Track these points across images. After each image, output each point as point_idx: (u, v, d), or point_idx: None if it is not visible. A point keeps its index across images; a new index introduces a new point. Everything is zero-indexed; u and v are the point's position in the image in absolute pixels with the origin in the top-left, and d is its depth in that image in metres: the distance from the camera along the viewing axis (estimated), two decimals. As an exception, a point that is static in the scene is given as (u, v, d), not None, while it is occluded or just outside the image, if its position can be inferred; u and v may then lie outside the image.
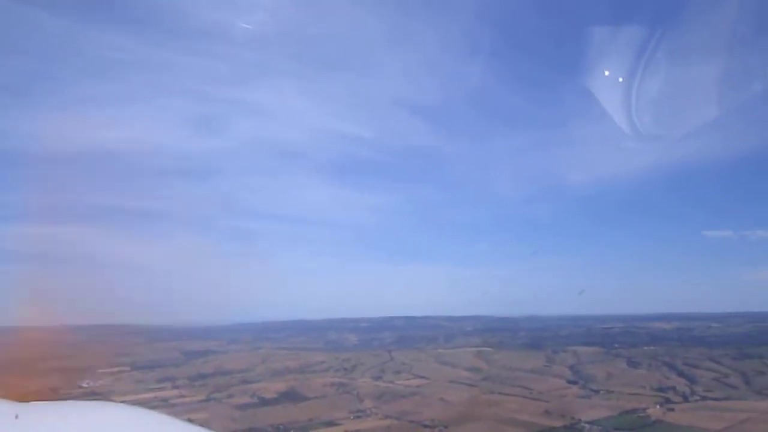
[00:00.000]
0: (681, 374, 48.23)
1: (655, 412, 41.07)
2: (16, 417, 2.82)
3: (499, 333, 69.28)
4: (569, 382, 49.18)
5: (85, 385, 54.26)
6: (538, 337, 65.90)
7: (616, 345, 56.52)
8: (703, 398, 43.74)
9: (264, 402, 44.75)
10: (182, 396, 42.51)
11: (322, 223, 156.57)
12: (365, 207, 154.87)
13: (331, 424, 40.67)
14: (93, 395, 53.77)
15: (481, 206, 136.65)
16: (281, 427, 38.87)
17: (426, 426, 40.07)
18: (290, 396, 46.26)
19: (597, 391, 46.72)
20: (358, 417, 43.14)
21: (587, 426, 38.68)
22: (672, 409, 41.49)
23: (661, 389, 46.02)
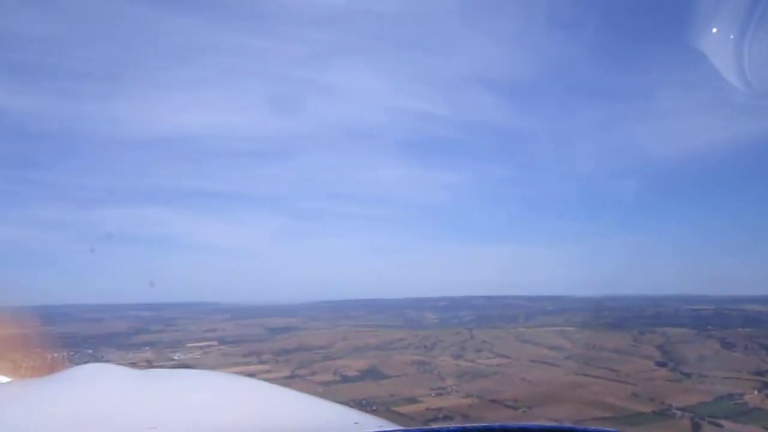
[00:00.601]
0: (781, 358, 45.61)
1: (753, 398, 38.67)
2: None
3: (581, 312, 67.45)
4: (658, 364, 47.30)
5: (176, 357, 56.81)
6: (622, 317, 63.73)
7: (708, 326, 53.88)
8: (807, 383, 41.14)
9: (346, 379, 45.43)
10: (268, 371, 43.67)
11: (397, 203, 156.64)
12: (441, 185, 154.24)
13: (412, 400, 40.85)
14: (184, 367, 56.25)
15: (559, 183, 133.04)
16: (363, 402, 39.35)
17: (508, 406, 39.54)
18: (371, 373, 46.74)
19: (688, 375, 44.63)
20: (439, 395, 43.12)
21: (678, 413, 36.84)
22: (772, 395, 39.19)
23: (759, 373, 43.46)
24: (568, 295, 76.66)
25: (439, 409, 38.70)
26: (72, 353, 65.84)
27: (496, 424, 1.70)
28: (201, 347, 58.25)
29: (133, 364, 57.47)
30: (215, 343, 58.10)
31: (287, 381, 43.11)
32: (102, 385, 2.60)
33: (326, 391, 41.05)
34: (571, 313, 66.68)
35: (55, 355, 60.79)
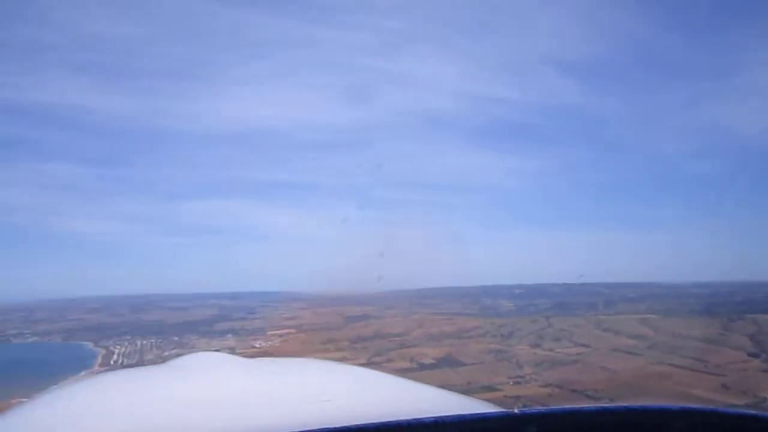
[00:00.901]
0: None
1: None
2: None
3: (665, 300, 64.98)
4: (750, 354, 44.99)
5: (257, 345, 58.55)
6: (710, 303, 60.81)
7: (806, 314, 50.84)
8: None
9: (423, 366, 45.55)
10: (345, 358, 44.29)
11: (471, 190, 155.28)
12: (515, 171, 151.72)
13: (490, 389, 40.52)
14: (264, 354, 57.91)
15: (639, 167, 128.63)
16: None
17: (589, 396, 38.53)
18: (448, 361, 46.67)
19: (784, 366, 42.37)
20: (518, 383, 42.62)
21: (774, 405, 34.95)
22: None
23: None
24: (650, 282, 74.03)
25: (518, 398, 38.16)
26: (159, 340, 69.17)
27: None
28: (280, 335, 59.79)
29: (217, 350, 59.40)
30: (294, 330, 59.40)
31: (364, 367, 43.54)
32: (215, 373, 2.61)
33: (404, 378, 41.25)
34: (653, 300, 64.36)
35: (144, 342, 63.67)
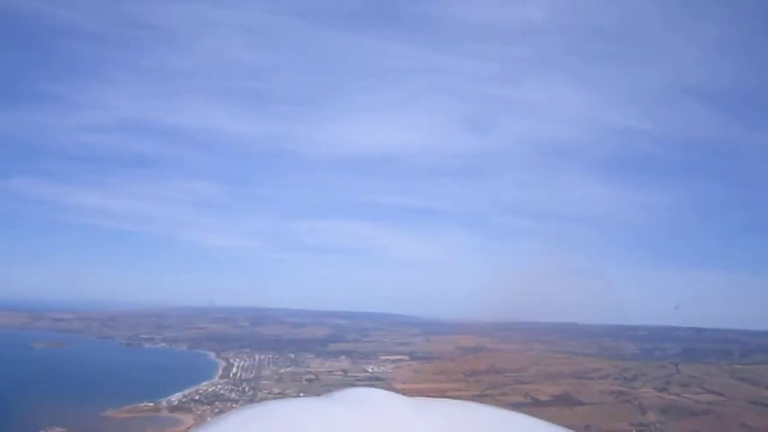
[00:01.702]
0: None
1: None
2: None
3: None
4: None
5: (369, 370, 59.01)
6: None
7: None
8: None
9: (538, 403, 43.85)
10: (458, 389, 43.51)
11: (594, 222, 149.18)
12: (642, 205, 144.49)
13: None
14: (375, 380, 58.17)
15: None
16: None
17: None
18: (565, 399, 44.68)
19: None
20: (641, 431, 40.05)
21: None
22: None
23: None
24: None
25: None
26: (276, 356, 71.37)
27: None
28: (393, 361, 59.91)
29: (330, 372, 60.05)
30: (407, 357, 59.27)
31: (476, 400, 42.56)
32: (379, 411, 2.58)
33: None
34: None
35: (262, 356, 65.67)
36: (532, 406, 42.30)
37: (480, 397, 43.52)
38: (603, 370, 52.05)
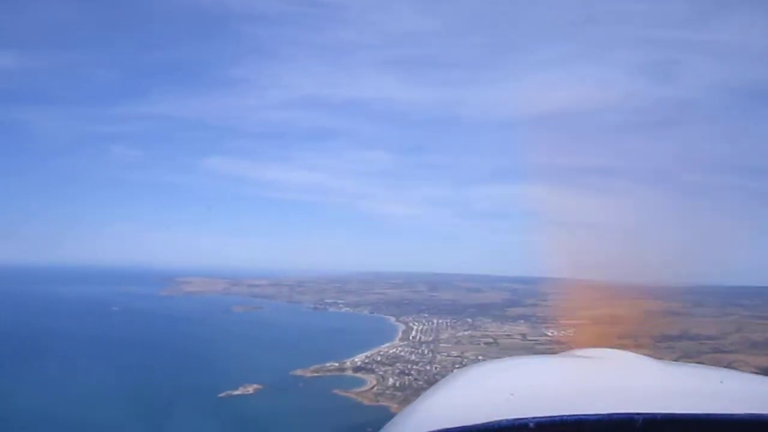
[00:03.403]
0: None
1: None
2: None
3: None
4: None
5: (549, 333, 57.25)
6: None
7: None
8: None
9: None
10: (648, 356, 40.86)
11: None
12: None
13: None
14: (556, 344, 56.23)
15: None
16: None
17: None
18: (774, 372, 40.10)
19: None
20: None
21: None
22: None
23: None
24: None
25: None
26: (454, 320, 71.82)
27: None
28: (574, 325, 57.26)
29: (509, 336, 59.28)
30: (588, 322, 56.24)
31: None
32: (631, 370, 2.28)
33: None
34: None
35: (440, 320, 66.35)
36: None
37: (672, 366, 40.27)
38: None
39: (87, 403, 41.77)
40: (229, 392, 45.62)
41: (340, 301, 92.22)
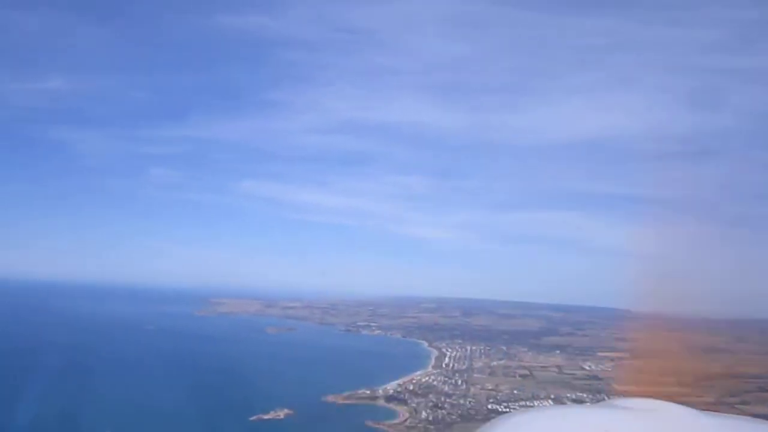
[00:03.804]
0: None
1: None
2: None
3: None
4: None
5: (586, 367, 55.91)
6: None
7: None
8: None
9: (787, 415, 38.20)
10: (688, 395, 39.49)
11: None
12: None
13: None
14: (594, 379, 54.81)
15: None
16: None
17: None
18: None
19: None
20: None
21: None
22: None
23: None
24: None
25: None
26: (488, 348, 70.62)
27: None
28: (611, 358, 55.96)
29: (544, 368, 57.81)
30: (627, 355, 54.56)
31: (712, 408, 38.08)
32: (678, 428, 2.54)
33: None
34: None
35: (473, 347, 65.16)
36: (780, 417, 36.80)
37: (715, 405, 38.70)
38: None
39: (113, 423, 41.88)
40: (260, 416, 45.42)
41: (372, 324, 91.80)
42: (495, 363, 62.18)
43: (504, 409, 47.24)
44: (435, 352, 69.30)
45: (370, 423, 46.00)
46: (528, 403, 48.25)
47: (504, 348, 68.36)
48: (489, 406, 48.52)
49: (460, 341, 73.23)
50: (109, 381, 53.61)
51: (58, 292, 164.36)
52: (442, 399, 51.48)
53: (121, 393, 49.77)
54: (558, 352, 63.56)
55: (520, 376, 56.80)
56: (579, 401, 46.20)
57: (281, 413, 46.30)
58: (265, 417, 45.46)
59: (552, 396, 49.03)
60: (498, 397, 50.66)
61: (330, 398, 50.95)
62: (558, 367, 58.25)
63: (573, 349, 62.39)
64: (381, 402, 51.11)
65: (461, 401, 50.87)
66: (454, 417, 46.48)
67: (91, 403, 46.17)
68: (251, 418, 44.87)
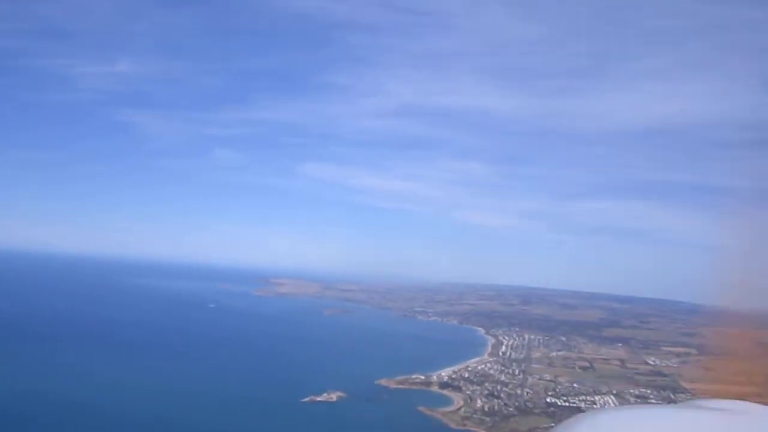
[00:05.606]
0: None
1: None
2: None
3: None
4: None
5: (650, 362, 53.54)
6: None
7: None
8: None
9: None
10: (759, 395, 37.36)
11: None
12: None
13: None
14: (659, 375, 52.46)
15: None
16: None
17: None
18: None
19: None
20: None
21: None
22: None
23: None
24: None
25: None
26: (547, 337, 68.80)
27: None
28: (677, 353, 53.59)
29: (606, 361, 55.83)
30: (694, 351, 52.45)
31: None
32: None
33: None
34: None
35: (532, 336, 63.57)
36: None
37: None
38: None
39: (168, 401, 42.59)
40: (312, 397, 45.61)
41: (429, 310, 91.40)
42: (554, 353, 60.42)
43: (563, 403, 45.88)
44: (492, 340, 68.15)
45: (423, 409, 45.28)
46: (589, 397, 46.69)
47: (563, 338, 66.44)
48: (547, 399, 47.05)
49: (517, 330, 71.76)
50: (164, 358, 55.08)
51: (126, 269, 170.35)
52: (499, 388, 50.26)
53: (177, 370, 50.89)
54: (620, 344, 61.22)
55: (580, 368, 54.88)
56: (643, 398, 44.45)
57: (334, 395, 46.49)
58: (318, 399, 45.76)
59: (614, 391, 47.19)
60: (557, 390, 49.00)
61: (383, 382, 50.83)
62: (621, 360, 56.05)
63: (636, 343, 59.99)
64: (435, 388, 50.45)
65: (518, 391, 49.49)
66: (510, 409, 45.16)
67: (141, 378, 47.30)
68: (304, 400, 45.15)
